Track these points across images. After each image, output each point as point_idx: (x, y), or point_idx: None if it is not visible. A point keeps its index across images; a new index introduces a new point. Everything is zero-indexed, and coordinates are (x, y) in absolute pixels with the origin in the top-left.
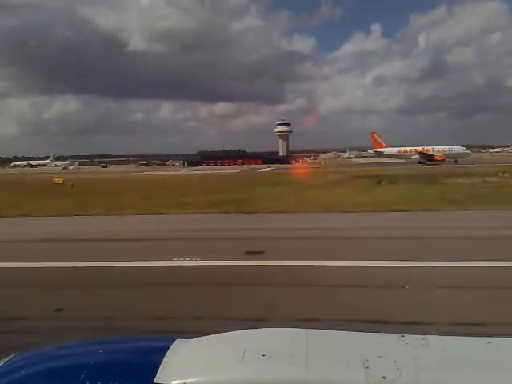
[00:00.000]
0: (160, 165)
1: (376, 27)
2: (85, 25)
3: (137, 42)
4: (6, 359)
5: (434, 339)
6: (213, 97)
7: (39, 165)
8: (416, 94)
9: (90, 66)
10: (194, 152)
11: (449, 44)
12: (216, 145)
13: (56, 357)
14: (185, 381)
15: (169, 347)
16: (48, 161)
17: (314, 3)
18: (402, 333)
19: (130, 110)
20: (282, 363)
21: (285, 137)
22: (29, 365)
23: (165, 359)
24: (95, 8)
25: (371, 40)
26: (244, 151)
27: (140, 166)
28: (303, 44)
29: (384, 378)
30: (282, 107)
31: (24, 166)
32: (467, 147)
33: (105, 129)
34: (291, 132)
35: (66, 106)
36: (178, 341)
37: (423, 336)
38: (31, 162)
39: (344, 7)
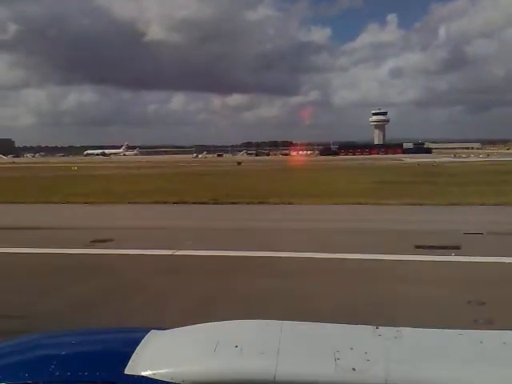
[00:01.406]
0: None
1: (395, 17)
2: (103, 14)
3: (154, 32)
4: None
5: (407, 331)
6: (232, 88)
7: (112, 154)
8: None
9: (117, 55)
10: (239, 143)
11: (469, 36)
12: (245, 136)
13: (28, 347)
14: (155, 372)
15: (142, 338)
16: (121, 150)
17: None
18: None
19: (157, 100)
20: (254, 355)
21: (381, 126)
22: (6, 354)
23: (137, 350)
24: None
25: (390, 30)
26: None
27: (217, 156)
28: (320, 34)
29: (353, 369)
30: (307, 98)
31: (97, 154)
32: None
33: (123, 119)
34: (388, 121)
35: (89, 96)
36: (152, 332)
37: (397, 328)
38: (105, 150)
39: None
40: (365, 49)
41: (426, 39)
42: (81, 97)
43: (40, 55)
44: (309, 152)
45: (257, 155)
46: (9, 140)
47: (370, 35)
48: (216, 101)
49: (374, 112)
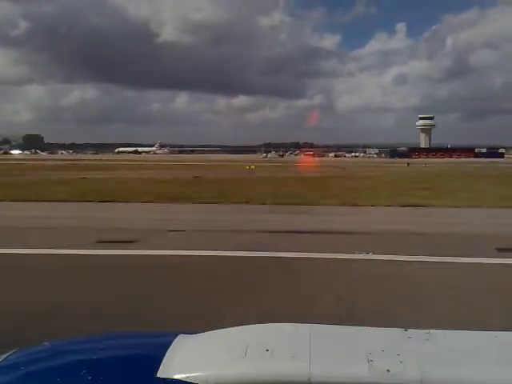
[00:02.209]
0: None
1: (409, 26)
2: (116, 14)
3: (167, 33)
4: (6, 354)
5: (437, 333)
6: (244, 90)
7: (144, 152)
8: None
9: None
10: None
11: (477, 47)
12: (260, 138)
13: (57, 352)
14: (188, 375)
15: (171, 342)
16: (154, 148)
17: (348, 1)
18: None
19: (164, 99)
20: (286, 358)
21: (427, 130)
22: (30, 361)
23: (167, 354)
24: None
25: (401, 39)
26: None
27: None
28: (330, 41)
29: (388, 371)
30: (313, 102)
31: (130, 152)
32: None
33: (131, 118)
34: (434, 126)
35: (103, 95)
36: (180, 336)
37: (427, 330)
38: (138, 148)
39: (378, 5)
40: (376, 55)
41: (434, 48)
42: (95, 95)
43: (55, 52)
44: (373, 154)
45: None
46: (39, 136)
47: (386, 42)
48: (228, 102)
49: (420, 116)
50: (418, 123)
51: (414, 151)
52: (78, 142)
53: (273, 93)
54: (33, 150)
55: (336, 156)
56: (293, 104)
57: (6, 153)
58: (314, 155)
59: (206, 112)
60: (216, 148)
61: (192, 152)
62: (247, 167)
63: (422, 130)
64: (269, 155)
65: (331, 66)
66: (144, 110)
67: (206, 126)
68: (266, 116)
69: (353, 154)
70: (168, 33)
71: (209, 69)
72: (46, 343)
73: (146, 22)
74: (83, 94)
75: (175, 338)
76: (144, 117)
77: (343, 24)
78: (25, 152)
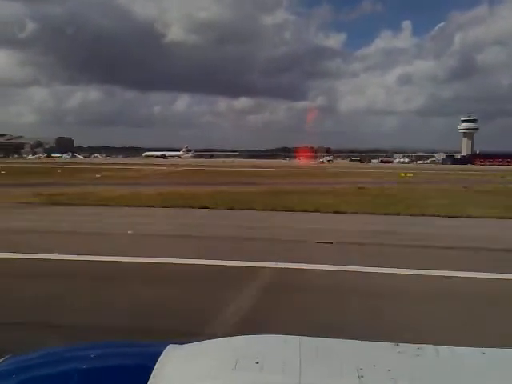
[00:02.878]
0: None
1: (415, 24)
2: (122, 14)
3: (172, 34)
4: None
5: (429, 349)
6: (249, 92)
7: (171, 156)
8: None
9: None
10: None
11: (485, 44)
12: (277, 141)
13: (46, 361)
14: None
15: (161, 352)
16: (181, 152)
17: None
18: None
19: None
20: (276, 370)
21: (470, 135)
22: (21, 368)
23: (157, 365)
24: None
25: (409, 37)
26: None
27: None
28: (335, 39)
29: None
30: (329, 105)
31: (157, 156)
32: None
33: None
34: (478, 129)
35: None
36: (170, 346)
37: (418, 345)
38: (166, 153)
39: (384, 3)
40: (384, 55)
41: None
42: (107, 98)
43: (66, 54)
44: (428, 160)
45: (360, 161)
46: (69, 139)
47: (393, 39)
48: (236, 105)
49: (463, 119)
50: (459, 126)
51: (477, 157)
52: (106, 145)
53: (285, 95)
54: (70, 154)
55: (383, 162)
56: (307, 106)
57: (48, 156)
58: (360, 161)
59: (219, 115)
60: (234, 152)
61: (211, 156)
62: (403, 175)
63: (465, 134)
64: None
65: (343, 66)
66: (147, 111)
67: (220, 130)
68: (279, 120)
69: (398, 159)
70: (175, 33)
71: (218, 70)
72: (36, 351)
73: (151, 22)
74: (106, 95)
75: (165, 348)
76: (151, 119)
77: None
78: (64, 156)
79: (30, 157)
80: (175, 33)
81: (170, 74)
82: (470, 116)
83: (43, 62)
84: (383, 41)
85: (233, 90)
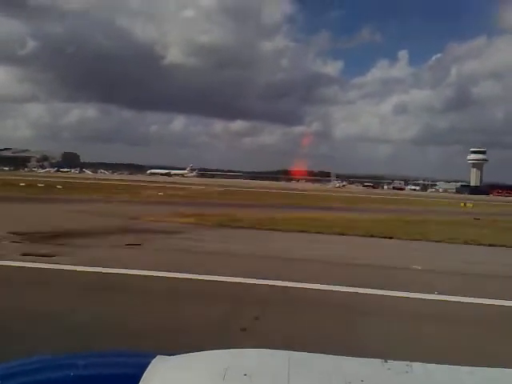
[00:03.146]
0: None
1: (412, 54)
2: (123, 36)
3: (171, 56)
4: None
5: (417, 366)
6: (246, 115)
7: (176, 174)
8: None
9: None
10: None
11: (482, 76)
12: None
13: (31, 370)
14: None
15: (149, 363)
16: (186, 171)
17: (353, 27)
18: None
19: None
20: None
21: (479, 165)
22: (4, 376)
23: (144, 376)
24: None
25: (406, 67)
26: None
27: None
28: (333, 67)
29: None
30: (326, 130)
31: (162, 174)
32: None
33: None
34: (487, 161)
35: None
36: (158, 357)
37: (407, 362)
38: (171, 171)
39: (383, 33)
40: (380, 84)
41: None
42: (105, 116)
43: (68, 72)
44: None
45: (373, 187)
46: (75, 154)
47: (391, 69)
48: (234, 128)
49: (472, 150)
50: (469, 157)
51: (494, 188)
52: (105, 161)
53: (282, 120)
54: (78, 169)
55: (395, 188)
56: (303, 131)
57: (58, 170)
58: (373, 187)
59: (215, 136)
60: (234, 173)
61: (213, 176)
62: (462, 204)
63: (474, 165)
64: (337, 184)
65: (339, 93)
66: (144, 130)
67: (216, 151)
68: (275, 143)
69: (411, 186)
70: (175, 55)
71: (219, 93)
72: (17, 360)
73: (151, 44)
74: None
75: (152, 358)
76: (147, 138)
77: (347, 50)
78: (72, 171)
79: (41, 170)
80: (174, 55)
81: (168, 94)
82: (479, 148)
83: (43, 79)
84: (380, 70)
85: (230, 112)
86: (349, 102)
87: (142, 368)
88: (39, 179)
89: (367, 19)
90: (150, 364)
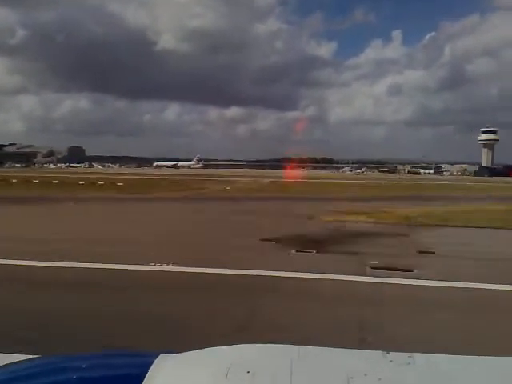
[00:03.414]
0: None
1: (408, 33)
2: (114, 22)
3: (163, 42)
4: None
5: (419, 357)
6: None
7: (183, 166)
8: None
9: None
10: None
11: (476, 54)
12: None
13: (34, 372)
14: None
15: (152, 362)
16: (192, 162)
17: (346, 8)
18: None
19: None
20: (267, 380)
21: (490, 146)
22: (6, 380)
23: (148, 375)
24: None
25: (401, 47)
26: None
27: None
28: (326, 49)
29: None
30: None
31: (169, 166)
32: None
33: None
34: (498, 140)
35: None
36: (162, 356)
37: (409, 353)
38: (178, 163)
39: (377, 13)
40: (374, 64)
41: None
42: (103, 106)
43: (69, 62)
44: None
45: (390, 173)
46: (81, 148)
47: (384, 51)
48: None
49: (483, 130)
50: (479, 137)
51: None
52: (114, 154)
53: (278, 105)
54: (87, 163)
55: (410, 173)
56: (298, 116)
57: (69, 166)
58: (390, 172)
59: (210, 123)
60: (238, 163)
61: (217, 166)
62: None
63: (485, 145)
64: (358, 171)
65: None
66: (136, 120)
67: (212, 139)
68: (272, 128)
69: (427, 170)
70: (167, 41)
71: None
72: (21, 362)
73: (143, 30)
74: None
75: (156, 357)
76: (141, 128)
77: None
78: (81, 165)
79: (52, 166)
80: (167, 41)
81: (161, 81)
82: (489, 127)
83: (33, 68)
84: (374, 50)
85: (231, 99)
86: (344, 85)
87: (146, 367)
88: (74, 177)
89: None
90: (154, 363)
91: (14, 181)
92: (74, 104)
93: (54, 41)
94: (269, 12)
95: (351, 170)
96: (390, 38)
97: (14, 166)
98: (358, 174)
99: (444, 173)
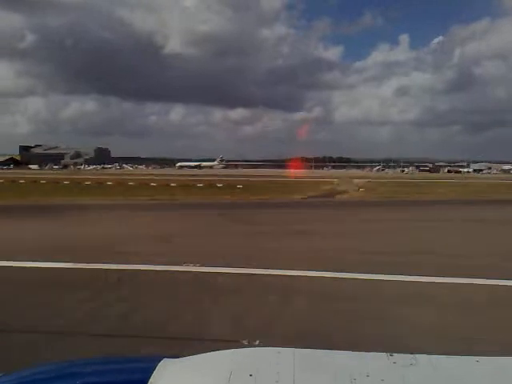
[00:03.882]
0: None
1: (417, 37)
2: (122, 26)
3: (170, 46)
4: None
5: (422, 358)
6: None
7: (206, 167)
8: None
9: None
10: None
11: (486, 58)
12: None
13: (37, 379)
14: None
15: (155, 367)
16: (215, 163)
17: (354, 12)
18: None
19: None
20: (270, 383)
21: None
22: None
23: (151, 379)
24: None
25: (410, 50)
26: None
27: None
28: (333, 52)
29: None
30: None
31: (192, 167)
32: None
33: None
34: None
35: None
36: (164, 360)
37: (412, 355)
38: (201, 163)
39: (385, 16)
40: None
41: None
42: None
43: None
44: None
45: (431, 172)
46: (106, 149)
47: (393, 55)
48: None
49: None
50: None
51: None
52: (140, 155)
53: (288, 107)
54: (117, 165)
55: (450, 172)
56: (306, 117)
57: (104, 168)
58: (431, 171)
59: (215, 125)
60: (258, 163)
61: (236, 167)
62: None
63: None
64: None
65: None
66: (143, 122)
67: (221, 140)
68: (281, 129)
69: (466, 169)
70: (174, 44)
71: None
72: (26, 369)
73: (150, 35)
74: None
75: (159, 362)
76: (149, 129)
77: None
78: (111, 166)
79: (88, 168)
80: (174, 44)
81: (168, 84)
82: None
83: (43, 72)
84: (381, 53)
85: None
86: (351, 86)
87: (149, 372)
88: (145, 178)
89: (369, 3)
90: (157, 367)
91: (108, 183)
92: (95, 105)
93: (62, 45)
94: (276, 17)
95: (383, 169)
96: (397, 41)
97: (52, 168)
98: (407, 173)
99: (484, 171)
